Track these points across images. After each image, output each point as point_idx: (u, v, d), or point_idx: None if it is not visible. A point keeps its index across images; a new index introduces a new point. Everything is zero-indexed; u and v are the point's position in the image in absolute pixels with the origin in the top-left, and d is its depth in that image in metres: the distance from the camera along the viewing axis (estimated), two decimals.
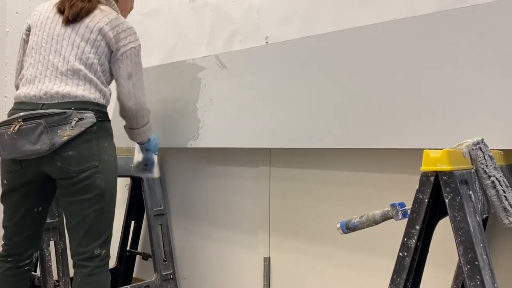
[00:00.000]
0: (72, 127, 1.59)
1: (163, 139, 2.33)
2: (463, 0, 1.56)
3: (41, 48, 1.70)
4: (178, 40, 2.50)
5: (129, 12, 2.06)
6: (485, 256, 1.03)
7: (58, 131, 1.58)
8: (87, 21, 1.71)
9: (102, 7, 1.76)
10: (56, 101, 1.63)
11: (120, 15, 1.80)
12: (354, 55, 1.74)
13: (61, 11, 1.73)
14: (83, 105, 1.64)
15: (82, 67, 1.67)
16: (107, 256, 1.70)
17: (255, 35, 2.16)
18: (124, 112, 1.85)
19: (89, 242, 1.65)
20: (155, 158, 2.30)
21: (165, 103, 2.35)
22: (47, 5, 1.79)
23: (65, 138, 1.58)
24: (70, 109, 1.61)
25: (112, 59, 1.75)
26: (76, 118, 1.60)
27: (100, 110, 1.69)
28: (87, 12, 1.71)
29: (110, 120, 1.76)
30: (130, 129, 1.94)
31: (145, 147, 2.13)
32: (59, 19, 1.72)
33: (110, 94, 1.78)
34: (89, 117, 1.63)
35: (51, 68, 1.67)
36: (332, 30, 1.86)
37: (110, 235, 1.72)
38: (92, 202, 1.63)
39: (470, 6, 1.51)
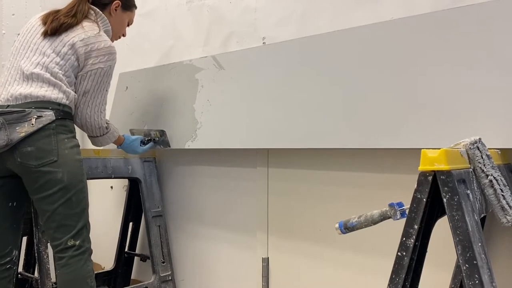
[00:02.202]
0: (32, 124, 1.65)
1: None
2: (459, 0, 1.57)
3: (17, 54, 1.79)
4: (175, 41, 2.50)
5: (128, 26, 2.08)
6: (483, 255, 1.03)
7: (17, 128, 1.65)
8: (63, 35, 1.77)
9: (85, 23, 1.81)
10: (20, 102, 1.70)
11: (101, 32, 1.83)
12: (351, 56, 1.74)
13: (44, 22, 1.80)
14: (43, 104, 1.70)
15: (47, 74, 1.73)
16: (83, 246, 1.73)
17: (252, 36, 2.16)
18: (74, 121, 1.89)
19: (62, 235, 1.70)
20: (147, 146, 2.28)
21: (163, 104, 2.35)
22: (39, 15, 1.86)
23: (23, 134, 1.65)
24: (31, 108, 1.68)
25: (78, 73, 1.80)
26: (35, 116, 1.66)
27: (61, 109, 1.73)
28: (67, 28, 1.78)
29: (72, 120, 1.80)
30: (88, 136, 1.99)
31: (123, 149, 2.20)
32: (41, 29, 1.79)
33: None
34: (48, 115, 1.69)
35: (20, 72, 1.74)
36: (329, 30, 1.86)
37: (85, 226, 1.75)
38: (58, 196, 1.68)
39: (467, 6, 1.51)
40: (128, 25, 2.08)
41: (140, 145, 2.24)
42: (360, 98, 1.69)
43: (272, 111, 1.92)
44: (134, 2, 2.06)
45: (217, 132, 2.11)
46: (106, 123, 1.96)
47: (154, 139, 2.31)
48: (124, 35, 2.08)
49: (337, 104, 1.74)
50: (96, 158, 2.24)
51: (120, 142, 2.13)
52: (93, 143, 2.01)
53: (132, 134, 2.35)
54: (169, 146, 2.30)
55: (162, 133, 2.29)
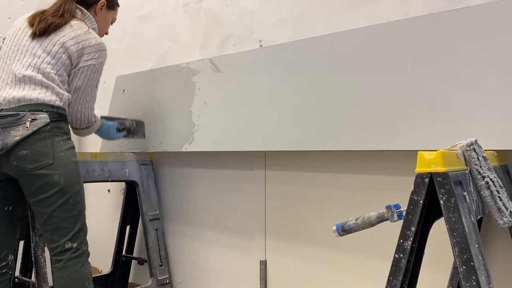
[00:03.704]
0: (26, 127, 1.65)
1: (158, 143, 2.33)
2: (455, 2, 1.57)
3: (7, 57, 1.78)
4: (172, 44, 2.50)
5: (111, 24, 2.09)
6: (480, 257, 1.04)
7: (11, 132, 1.64)
8: (53, 35, 1.77)
9: (73, 22, 1.81)
10: (13, 106, 1.70)
11: (90, 30, 1.84)
12: (348, 58, 1.75)
13: (31, 24, 1.79)
14: (37, 107, 1.70)
15: (39, 75, 1.72)
16: (80, 248, 1.72)
17: (249, 39, 2.16)
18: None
19: (59, 238, 1.70)
20: (121, 134, 2.26)
21: (160, 107, 2.35)
22: (24, 17, 1.85)
23: (17, 138, 1.64)
24: (24, 111, 1.67)
25: (71, 71, 1.80)
26: (30, 119, 1.66)
27: (55, 112, 1.73)
28: (56, 28, 1.78)
29: (67, 121, 1.80)
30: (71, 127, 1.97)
31: (99, 134, 2.18)
32: (28, 31, 1.79)
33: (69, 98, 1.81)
34: (43, 118, 1.68)
35: (12, 75, 1.73)
36: (325, 33, 1.87)
37: (82, 228, 1.74)
38: (54, 199, 1.68)
39: (463, 8, 1.52)
40: (111, 23, 2.09)
41: (116, 132, 2.22)
42: (357, 100, 1.69)
43: (269, 114, 1.92)
44: (117, 1, 2.08)
45: (214, 135, 2.11)
46: (94, 116, 1.96)
47: (128, 129, 2.30)
48: (107, 33, 2.09)
49: (334, 106, 1.74)
50: (93, 161, 2.23)
51: (100, 127, 2.10)
52: (77, 134, 2.00)
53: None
54: (144, 137, 2.29)
55: (138, 124, 2.29)
